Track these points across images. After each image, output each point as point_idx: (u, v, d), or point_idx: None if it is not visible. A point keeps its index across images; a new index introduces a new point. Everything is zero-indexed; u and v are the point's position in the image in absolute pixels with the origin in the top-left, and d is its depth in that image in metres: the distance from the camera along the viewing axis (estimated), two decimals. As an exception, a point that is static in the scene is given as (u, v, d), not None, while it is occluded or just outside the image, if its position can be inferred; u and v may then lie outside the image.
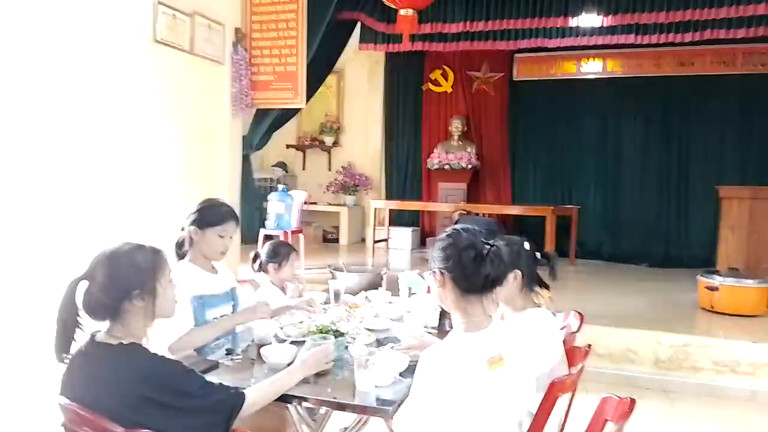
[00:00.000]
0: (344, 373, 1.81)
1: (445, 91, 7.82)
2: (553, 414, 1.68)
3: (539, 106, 7.38)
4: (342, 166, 8.04)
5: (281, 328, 2.18)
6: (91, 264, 1.43)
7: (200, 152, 4.37)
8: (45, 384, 1.57)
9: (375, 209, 6.96)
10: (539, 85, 7.37)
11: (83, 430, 1.33)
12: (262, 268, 2.83)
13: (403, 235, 7.49)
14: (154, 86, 3.84)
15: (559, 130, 7.29)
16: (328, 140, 8.18)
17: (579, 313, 2.47)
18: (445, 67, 7.75)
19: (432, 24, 6.03)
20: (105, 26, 3.50)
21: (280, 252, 2.76)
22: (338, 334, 1.99)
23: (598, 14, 5.68)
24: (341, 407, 1.62)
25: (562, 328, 2.31)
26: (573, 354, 1.99)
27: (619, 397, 1.49)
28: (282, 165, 8.27)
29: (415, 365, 1.53)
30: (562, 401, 1.77)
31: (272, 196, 5.65)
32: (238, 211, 4.71)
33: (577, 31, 5.94)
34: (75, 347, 1.43)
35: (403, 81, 7.91)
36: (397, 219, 7.54)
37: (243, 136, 4.91)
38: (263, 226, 5.59)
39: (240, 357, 1.94)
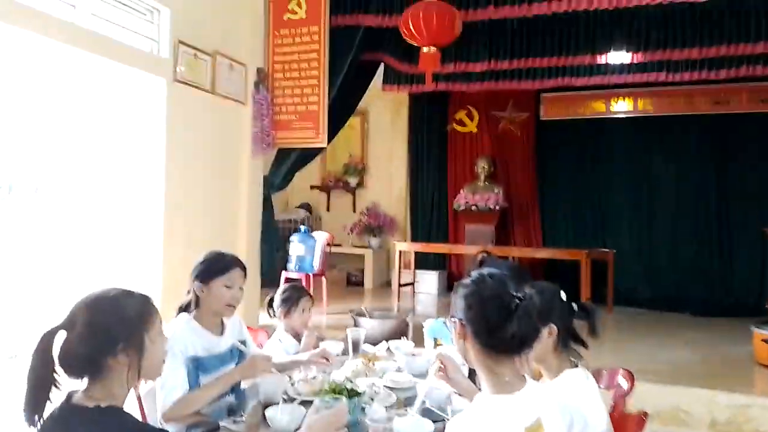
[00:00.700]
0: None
1: (471, 132, 7.69)
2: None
3: (568, 146, 7.17)
4: (366, 208, 7.90)
5: (292, 384, 1.96)
6: (71, 311, 1.24)
7: (220, 193, 4.27)
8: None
9: (400, 252, 6.75)
10: (567, 125, 7.18)
11: None
12: (276, 314, 2.63)
13: (430, 279, 7.23)
14: (174, 126, 3.78)
15: (589, 171, 7.04)
16: (353, 181, 8.08)
17: (628, 372, 2.18)
18: (469, 107, 7.65)
19: (456, 63, 5.92)
20: (125, 66, 3.46)
21: (290, 297, 2.55)
22: (353, 393, 1.75)
23: (627, 51, 5.50)
24: (355, 485, 1.39)
25: (608, 389, 2.03)
26: (625, 423, 1.71)
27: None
28: (306, 206, 8.18)
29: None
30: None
31: (294, 238, 5.51)
32: (257, 253, 4.65)
33: (605, 69, 5.78)
34: (49, 409, 1.24)
35: (428, 121, 7.81)
36: (423, 262, 7.30)
37: (264, 177, 4.80)
38: (285, 268, 5.43)
39: (243, 418, 1.71)
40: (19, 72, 3.20)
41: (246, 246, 4.50)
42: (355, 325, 4.00)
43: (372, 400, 1.83)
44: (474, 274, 1.39)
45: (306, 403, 1.78)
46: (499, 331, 1.27)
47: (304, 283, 5.24)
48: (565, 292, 1.80)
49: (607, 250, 6.36)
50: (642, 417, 1.67)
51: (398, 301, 6.54)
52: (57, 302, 3.23)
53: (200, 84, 3.99)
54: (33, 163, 4.90)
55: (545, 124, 7.29)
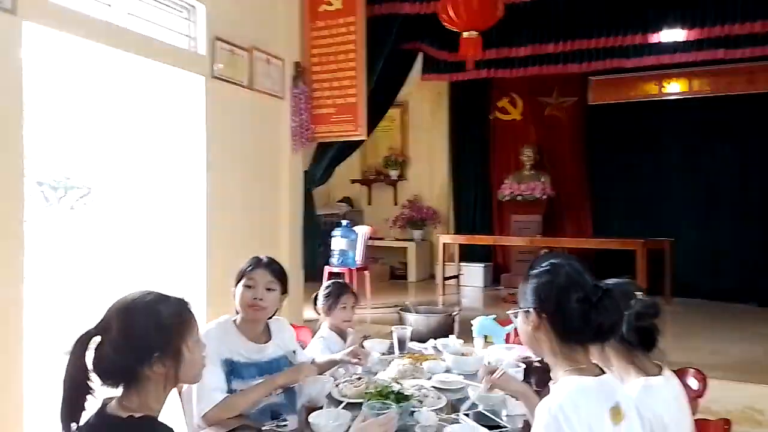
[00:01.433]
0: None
1: (514, 119, 7.45)
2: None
3: (618, 131, 6.83)
4: (408, 200, 7.79)
5: (336, 386, 1.87)
6: (105, 315, 1.18)
7: (261, 189, 4.25)
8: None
9: (444, 244, 6.61)
10: (617, 109, 6.83)
11: None
12: (319, 311, 2.56)
13: (475, 272, 7.06)
14: (213, 123, 3.76)
15: (641, 157, 6.68)
16: (393, 174, 7.97)
17: (699, 371, 1.99)
18: (512, 94, 7.41)
19: (497, 49, 5.72)
20: (162, 64, 3.45)
21: (331, 293, 2.47)
22: (401, 397, 1.65)
23: (682, 28, 5.16)
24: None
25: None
26: (705, 430, 1.54)
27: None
28: (347, 200, 8.13)
29: None
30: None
31: (336, 232, 5.46)
32: (299, 248, 4.61)
33: (658, 49, 5.44)
34: (86, 416, 1.19)
35: (469, 111, 7.61)
36: (468, 254, 7.13)
37: (305, 172, 4.75)
38: (328, 263, 5.39)
39: (286, 423, 1.64)
40: (59, 74, 3.23)
41: (288, 242, 4.47)
42: (401, 321, 3.92)
43: (420, 403, 1.72)
44: (546, 263, 1.34)
45: (351, 406, 1.69)
46: (581, 321, 1.25)
47: (347, 278, 5.20)
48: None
49: (663, 239, 6.02)
50: (725, 426, 1.49)
51: (443, 294, 6.41)
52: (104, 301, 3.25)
53: (238, 80, 3.95)
54: (83, 165, 5.03)
55: (593, 108, 6.97)
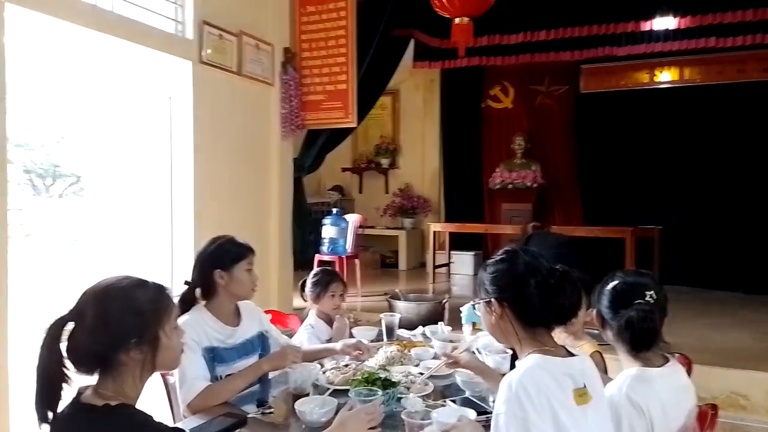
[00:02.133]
0: (395, 435, 1.47)
1: (506, 108, 7.44)
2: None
3: (609, 119, 6.82)
4: (399, 189, 7.78)
5: (323, 373, 1.87)
6: (80, 300, 1.15)
7: (250, 176, 4.21)
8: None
9: (434, 232, 6.61)
10: (609, 98, 6.83)
11: None
12: (307, 299, 2.55)
13: (465, 260, 7.08)
14: (201, 109, 3.71)
15: (632, 145, 6.69)
16: (385, 162, 7.95)
17: (684, 357, 2.01)
18: (504, 82, 7.39)
19: (489, 36, 5.69)
20: (149, 49, 3.39)
21: (320, 281, 2.46)
22: (387, 384, 1.65)
23: (674, 16, 5.15)
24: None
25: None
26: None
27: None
28: (338, 188, 8.10)
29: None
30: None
31: (326, 221, 5.44)
32: (289, 236, 4.59)
33: (649, 37, 5.42)
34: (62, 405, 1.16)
35: (461, 99, 7.57)
36: (459, 242, 7.14)
37: (294, 159, 4.72)
38: (318, 251, 5.37)
39: (272, 410, 1.63)
40: (44, 59, 3.17)
41: (278, 230, 4.44)
42: (390, 308, 3.92)
43: (408, 390, 1.72)
44: (501, 251, 1.37)
45: (338, 393, 1.69)
46: (541, 304, 1.27)
47: (337, 266, 5.19)
48: (610, 271, 1.67)
49: (652, 226, 6.06)
50: (712, 411, 1.50)
51: (433, 282, 6.42)
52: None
53: (226, 65, 3.90)
54: (71, 153, 4.96)
55: (585, 97, 6.96)
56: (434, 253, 6.56)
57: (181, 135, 3.68)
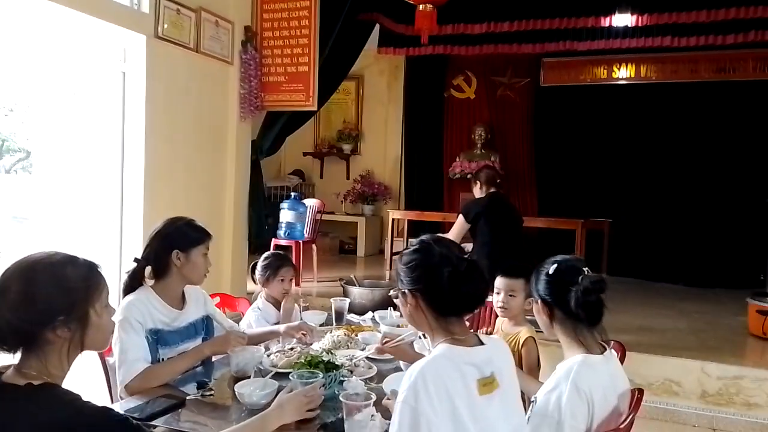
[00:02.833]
0: (337, 416, 1.49)
1: (468, 98, 7.49)
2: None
3: (567, 113, 6.97)
4: (360, 175, 7.76)
5: (268, 356, 1.87)
6: (4, 275, 1.10)
7: (205, 156, 4.13)
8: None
9: (393, 220, 6.64)
10: (567, 92, 6.96)
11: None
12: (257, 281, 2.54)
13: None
14: (155, 86, 3.61)
15: (588, 139, 6.85)
16: (347, 148, 7.91)
17: (619, 344, 2.10)
18: (468, 72, 7.43)
19: (454, 25, 5.70)
20: (101, 21, 3.27)
21: (270, 264, 2.45)
22: (330, 366, 1.67)
23: (632, 13, 5.28)
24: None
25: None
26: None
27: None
28: (299, 173, 8.03)
29: None
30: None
31: (284, 205, 5.39)
32: (245, 219, 4.54)
33: (608, 33, 5.56)
34: None
35: (425, 87, 7.59)
36: (417, 230, 7.17)
37: (252, 141, 4.65)
38: (275, 235, 5.33)
39: (213, 392, 1.63)
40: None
41: (233, 212, 4.39)
42: (344, 293, 3.94)
43: (351, 373, 1.75)
44: (415, 242, 1.39)
45: (281, 376, 1.70)
46: (452, 293, 1.29)
47: (293, 251, 5.17)
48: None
49: (602, 219, 6.25)
50: (638, 395, 1.58)
51: (390, 269, 6.46)
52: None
53: (183, 42, 3.80)
54: (20, 128, 4.76)
55: (545, 90, 7.08)
56: (392, 240, 6.60)
57: (134, 112, 3.58)
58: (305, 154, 8.07)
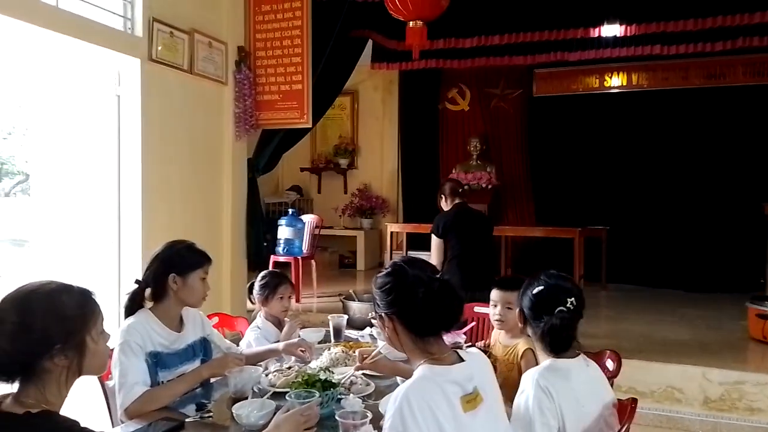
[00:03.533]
0: (334, 436, 1.50)
1: (463, 110, 7.55)
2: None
3: (561, 122, 7.02)
4: (358, 189, 7.79)
5: (266, 375, 1.88)
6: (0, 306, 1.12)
7: (202, 177, 4.15)
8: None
9: (392, 233, 6.66)
10: (560, 101, 7.02)
11: None
12: (255, 300, 2.55)
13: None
14: (150, 108, 3.64)
15: (583, 148, 6.89)
16: (343, 162, 7.95)
17: (615, 353, 2.11)
18: (461, 85, 7.50)
19: (445, 40, 5.76)
20: (96, 46, 3.31)
21: (268, 283, 2.46)
22: (327, 385, 1.67)
23: (620, 24, 5.34)
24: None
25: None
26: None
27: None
28: (296, 188, 8.06)
29: None
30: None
31: (281, 221, 5.41)
32: (242, 237, 4.55)
33: (599, 43, 5.61)
34: None
35: (419, 100, 7.65)
36: (416, 242, 7.18)
37: (248, 159, 4.68)
38: (274, 252, 5.34)
39: (212, 414, 1.63)
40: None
41: (231, 231, 4.40)
42: (344, 308, 3.94)
43: (348, 390, 1.75)
44: (389, 265, 1.41)
45: (279, 395, 1.70)
46: (428, 314, 1.30)
47: (292, 267, 5.18)
48: (560, 269, 1.74)
49: (600, 227, 6.27)
50: (632, 405, 1.59)
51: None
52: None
53: (177, 63, 3.84)
54: (20, 151, 4.79)
55: (538, 100, 7.15)
56: (391, 253, 6.62)
57: (130, 134, 3.61)
58: (302, 169, 8.10)
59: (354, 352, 2.18)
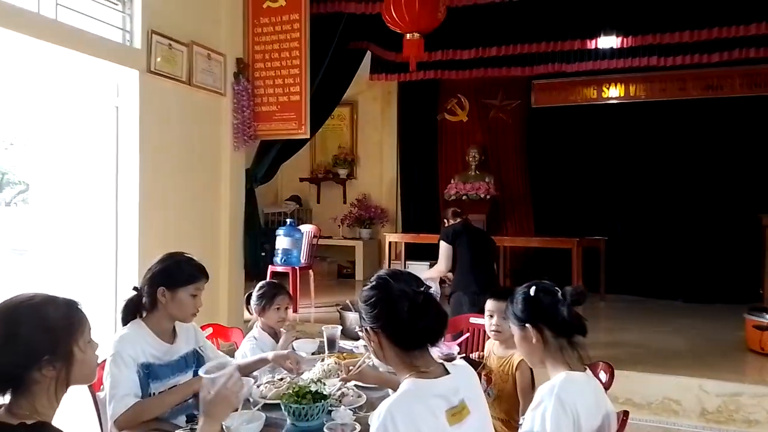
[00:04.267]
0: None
1: (461, 120, 7.59)
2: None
3: (559, 133, 7.05)
4: (357, 199, 7.81)
5: (257, 387, 1.88)
6: None
7: (199, 187, 4.17)
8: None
9: (390, 243, 6.67)
10: (559, 112, 7.06)
11: None
12: (252, 311, 2.55)
13: (421, 270, 7.10)
14: (148, 119, 3.66)
15: (581, 158, 6.92)
16: (342, 172, 7.97)
17: (608, 365, 2.10)
18: (460, 96, 7.54)
19: (443, 51, 5.81)
20: (95, 58, 3.34)
21: (265, 294, 2.47)
22: (318, 397, 1.67)
23: (617, 35, 5.38)
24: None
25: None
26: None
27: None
28: (296, 198, 8.08)
29: None
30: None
31: (279, 231, 5.42)
32: (240, 248, 4.56)
33: (596, 55, 5.66)
34: None
35: (418, 111, 7.69)
36: (414, 253, 7.19)
37: (247, 170, 4.70)
38: (272, 262, 5.34)
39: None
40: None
41: (228, 241, 4.41)
42: (341, 319, 3.94)
43: (339, 402, 1.75)
44: (374, 278, 1.39)
45: (269, 407, 1.70)
46: (412, 327, 1.30)
47: (290, 277, 5.18)
48: (557, 280, 1.73)
49: (598, 237, 6.28)
50: (624, 417, 1.59)
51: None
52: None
53: (176, 75, 3.87)
54: (20, 161, 4.82)
55: (536, 111, 7.18)
56: (390, 263, 6.62)
57: (128, 145, 3.63)
58: (302, 179, 8.13)
59: (345, 362, 2.18)
